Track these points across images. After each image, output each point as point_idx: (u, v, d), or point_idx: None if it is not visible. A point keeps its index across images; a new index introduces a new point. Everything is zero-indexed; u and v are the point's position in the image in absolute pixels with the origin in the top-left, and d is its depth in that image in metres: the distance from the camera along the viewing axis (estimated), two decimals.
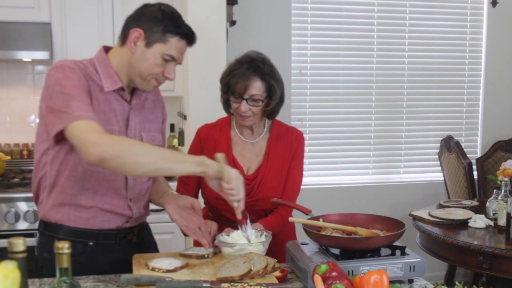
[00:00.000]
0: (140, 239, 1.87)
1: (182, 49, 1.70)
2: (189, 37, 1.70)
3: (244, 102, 1.93)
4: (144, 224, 1.92)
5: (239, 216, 1.68)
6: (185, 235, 1.90)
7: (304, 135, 2.16)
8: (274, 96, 1.97)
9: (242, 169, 2.03)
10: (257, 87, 1.93)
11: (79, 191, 1.70)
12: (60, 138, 1.59)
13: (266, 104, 1.97)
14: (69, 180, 1.69)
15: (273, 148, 2.05)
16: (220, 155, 1.63)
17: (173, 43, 1.67)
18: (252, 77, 1.92)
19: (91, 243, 1.74)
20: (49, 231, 1.75)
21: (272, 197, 1.96)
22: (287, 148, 2.06)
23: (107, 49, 1.77)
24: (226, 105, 2.04)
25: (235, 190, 1.61)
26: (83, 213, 1.72)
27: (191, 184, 2.09)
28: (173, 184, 2.18)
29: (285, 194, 2.04)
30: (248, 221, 1.75)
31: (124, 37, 1.71)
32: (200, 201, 2.14)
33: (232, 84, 1.94)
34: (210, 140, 2.06)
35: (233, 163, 2.02)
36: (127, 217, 1.78)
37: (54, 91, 1.59)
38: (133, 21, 1.69)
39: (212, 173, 1.58)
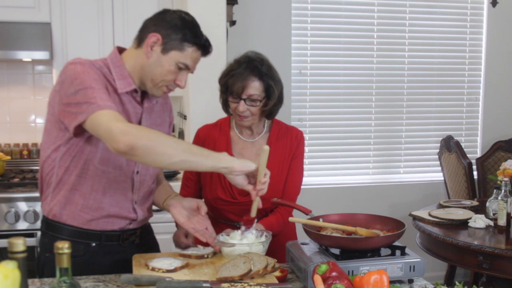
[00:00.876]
0: (142, 240, 1.87)
1: (197, 59, 1.71)
2: (205, 48, 1.70)
3: (242, 102, 1.93)
4: (146, 225, 1.91)
5: (253, 213, 1.71)
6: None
7: (304, 135, 2.16)
8: (272, 96, 1.96)
9: None
10: (255, 87, 1.93)
11: (88, 190, 1.69)
12: (79, 131, 1.58)
13: (264, 104, 1.97)
14: (79, 178, 1.68)
15: (273, 148, 2.05)
16: (266, 148, 1.63)
17: (189, 52, 1.67)
18: (250, 77, 1.92)
19: (93, 244, 1.74)
20: (51, 230, 1.75)
21: (272, 196, 1.96)
22: (287, 148, 2.06)
23: (120, 50, 1.76)
24: (225, 105, 2.04)
25: (266, 185, 1.65)
26: (88, 215, 1.72)
27: (192, 186, 2.09)
28: (174, 184, 2.18)
29: (285, 194, 2.04)
30: (254, 225, 1.79)
31: (140, 39, 1.69)
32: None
33: (230, 84, 1.94)
34: (209, 140, 2.06)
35: None
36: (131, 219, 1.78)
37: (72, 85, 1.57)
38: (152, 25, 1.68)
39: (239, 168, 1.58)
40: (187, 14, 1.72)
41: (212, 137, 2.07)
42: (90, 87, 1.56)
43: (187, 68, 1.70)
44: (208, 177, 2.03)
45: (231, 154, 2.03)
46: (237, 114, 1.97)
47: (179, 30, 1.65)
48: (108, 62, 1.70)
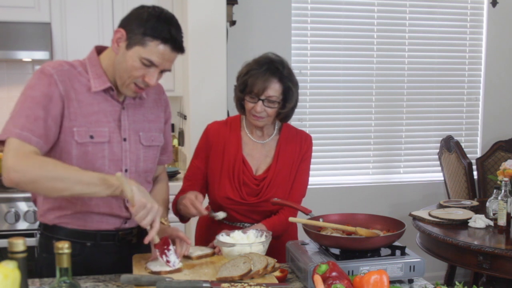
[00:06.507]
0: (140, 240, 1.85)
1: (164, 55, 1.61)
2: (171, 42, 1.60)
3: (260, 102, 1.93)
4: None
5: (149, 240, 1.56)
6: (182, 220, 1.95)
7: None
8: (291, 99, 1.98)
9: (251, 169, 2.03)
10: (274, 89, 1.93)
11: (75, 197, 1.68)
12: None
13: (281, 106, 1.97)
14: None
15: (283, 150, 2.05)
16: (118, 175, 1.53)
17: (152, 47, 1.59)
18: (271, 79, 1.93)
19: (88, 244, 1.74)
20: (48, 231, 1.75)
21: (279, 198, 1.96)
22: (296, 151, 2.06)
23: (100, 49, 1.76)
24: (240, 104, 2.04)
25: (137, 216, 1.52)
26: (80, 219, 1.72)
27: (197, 181, 2.07)
28: (174, 184, 2.18)
29: (291, 195, 2.04)
30: (172, 249, 1.62)
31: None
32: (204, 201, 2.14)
33: (250, 83, 1.94)
34: (219, 138, 2.05)
35: (243, 163, 2.02)
36: (124, 218, 1.77)
37: (20, 94, 1.62)
38: (122, 21, 1.67)
39: (137, 197, 1.53)
40: (159, 8, 1.65)
41: (223, 136, 2.06)
42: (22, 107, 1.59)
43: (153, 65, 1.61)
44: (217, 176, 2.03)
45: (241, 154, 2.03)
46: (252, 114, 1.97)
47: (142, 24, 1.60)
48: (86, 62, 1.72)
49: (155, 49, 1.60)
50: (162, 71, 1.67)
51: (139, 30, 1.59)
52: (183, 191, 2.08)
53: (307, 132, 2.18)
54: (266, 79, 1.92)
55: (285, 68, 1.96)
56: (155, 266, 1.60)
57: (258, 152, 2.06)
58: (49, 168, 1.53)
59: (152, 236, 1.56)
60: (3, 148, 1.55)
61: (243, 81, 1.97)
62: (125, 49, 1.62)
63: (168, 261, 1.60)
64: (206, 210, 1.88)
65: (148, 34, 1.59)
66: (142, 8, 1.65)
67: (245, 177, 2.01)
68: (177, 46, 1.63)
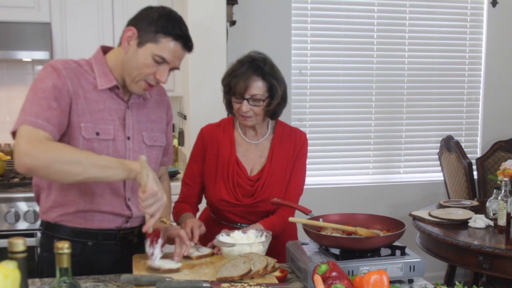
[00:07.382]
0: (141, 240, 1.85)
1: (175, 52, 1.66)
2: (182, 39, 1.66)
3: (245, 102, 1.92)
4: None
5: (147, 228, 1.57)
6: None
7: None
8: (276, 96, 1.95)
9: (246, 170, 2.03)
10: (257, 87, 1.92)
11: (77, 194, 1.69)
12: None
13: (267, 104, 1.96)
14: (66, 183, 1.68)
15: (277, 149, 2.04)
16: (142, 158, 1.53)
17: (165, 44, 1.63)
18: (253, 77, 1.91)
19: (90, 243, 1.74)
20: (49, 230, 1.75)
21: (275, 198, 1.96)
22: (290, 149, 2.05)
23: (105, 49, 1.78)
24: (229, 106, 2.03)
25: (145, 202, 1.53)
26: (81, 218, 1.72)
27: (194, 186, 2.08)
28: (174, 185, 2.18)
29: (288, 194, 2.03)
30: (160, 242, 1.61)
31: (121, 36, 1.71)
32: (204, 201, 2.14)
33: (233, 84, 1.94)
34: (213, 141, 2.05)
35: (237, 163, 2.02)
36: (126, 217, 1.78)
37: (29, 90, 1.62)
38: (131, 21, 1.70)
39: (151, 179, 1.54)
40: (167, 8, 1.70)
41: (216, 138, 2.06)
42: (33, 98, 1.58)
43: (165, 61, 1.65)
44: (213, 178, 2.03)
45: (235, 155, 2.03)
46: (240, 114, 1.96)
47: (154, 22, 1.64)
48: (91, 61, 1.73)
49: (167, 46, 1.64)
50: (171, 69, 1.70)
51: (151, 28, 1.63)
52: (182, 196, 2.09)
53: (307, 132, 2.17)
54: (248, 77, 1.91)
55: (266, 65, 1.94)
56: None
57: (252, 152, 2.05)
58: (63, 151, 1.52)
59: (150, 225, 1.57)
60: (15, 137, 1.54)
61: (227, 82, 1.97)
62: (136, 47, 1.65)
63: (152, 254, 1.60)
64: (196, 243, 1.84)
65: (160, 31, 1.63)
66: (150, 9, 1.69)
67: (239, 178, 2.00)
68: (188, 44, 1.69)
